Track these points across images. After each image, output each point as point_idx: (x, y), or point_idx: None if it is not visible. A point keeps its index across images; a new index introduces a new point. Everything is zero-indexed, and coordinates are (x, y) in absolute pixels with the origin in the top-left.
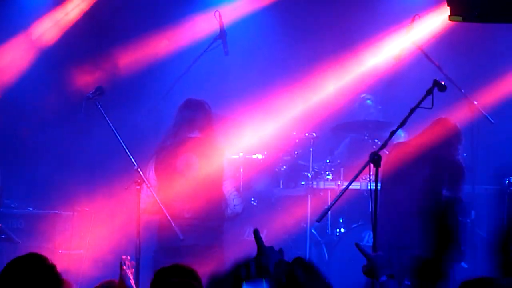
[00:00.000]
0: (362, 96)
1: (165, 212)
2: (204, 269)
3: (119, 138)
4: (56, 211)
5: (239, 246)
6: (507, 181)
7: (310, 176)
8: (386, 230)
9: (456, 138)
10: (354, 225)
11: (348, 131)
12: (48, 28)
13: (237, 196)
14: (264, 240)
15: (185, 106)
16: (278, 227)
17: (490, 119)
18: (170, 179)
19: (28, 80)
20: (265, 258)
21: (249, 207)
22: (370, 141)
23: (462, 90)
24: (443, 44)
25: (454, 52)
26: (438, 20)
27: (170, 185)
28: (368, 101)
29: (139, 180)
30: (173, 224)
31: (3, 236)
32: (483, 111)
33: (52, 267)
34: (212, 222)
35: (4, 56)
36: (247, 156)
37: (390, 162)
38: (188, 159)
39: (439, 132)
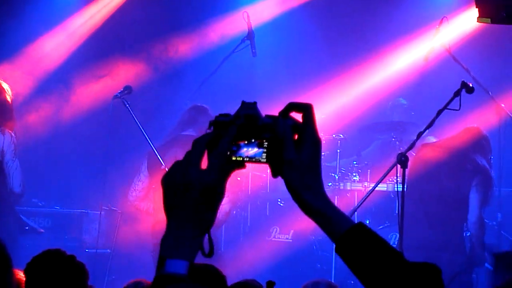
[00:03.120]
0: (396, 99)
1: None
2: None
3: (147, 138)
4: (83, 210)
5: (266, 246)
6: None
7: (337, 177)
8: (414, 231)
9: (489, 147)
10: (381, 227)
11: (375, 132)
12: (83, 22)
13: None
14: (290, 240)
15: (188, 110)
16: (304, 228)
17: None
18: (159, 175)
19: (62, 73)
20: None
21: (276, 207)
22: (397, 142)
23: (490, 93)
24: (471, 46)
25: (482, 54)
26: (466, 22)
27: (158, 181)
28: (402, 100)
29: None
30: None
31: (27, 228)
32: (510, 113)
33: (71, 258)
34: None
35: (42, 48)
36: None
37: (419, 162)
38: (175, 155)
39: (472, 138)
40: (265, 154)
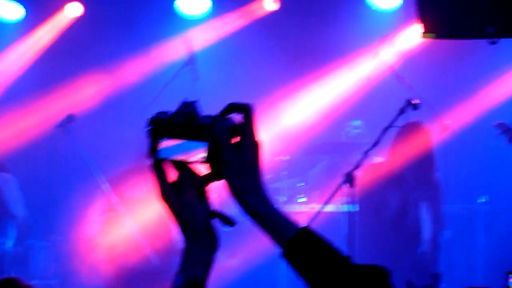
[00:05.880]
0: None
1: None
2: None
3: (91, 165)
4: (28, 242)
5: (211, 272)
6: (481, 200)
7: (284, 199)
8: (367, 252)
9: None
10: None
11: (321, 153)
12: (21, 54)
13: None
14: (237, 267)
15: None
16: (252, 252)
17: (462, 137)
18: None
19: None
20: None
21: (222, 233)
22: (344, 163)
23: (434, 109)
24: (415, 63)
25: (426, 71)
26: (409, 39)
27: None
28: (355, 123)
29: (112, 208)
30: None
31: None
32: (454, 130)
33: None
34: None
35: None
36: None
37: (365, 184)
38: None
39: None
40: (203, 155)
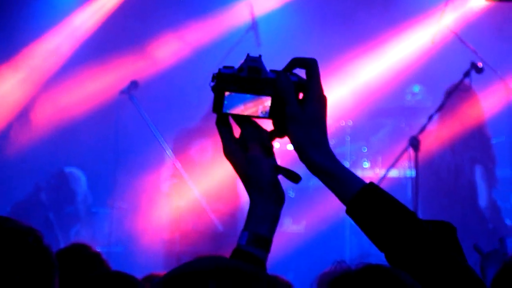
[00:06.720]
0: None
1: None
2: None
3: (155, 132)
4: (93, 209)
5: (278, 237)
6: None
7: (348, 164)
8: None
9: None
10: None
11: (384, 118)
12: (87, 17)
13: None
14: (303, 231)
15: None
16: (316, 218)
17: None
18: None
19: (68, 70)
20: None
21: (287, 199)
22: (407, 128)
23: (498, 73)
24: (478, 26)
25: (489, 34)
26: (472, 2)
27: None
28: (415, 87)
29: (177, 175)
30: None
31: None
32: None
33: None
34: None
35: (43, 47)
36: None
37: (423, 148)
38: (202, 145)
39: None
40: (268, 109)
